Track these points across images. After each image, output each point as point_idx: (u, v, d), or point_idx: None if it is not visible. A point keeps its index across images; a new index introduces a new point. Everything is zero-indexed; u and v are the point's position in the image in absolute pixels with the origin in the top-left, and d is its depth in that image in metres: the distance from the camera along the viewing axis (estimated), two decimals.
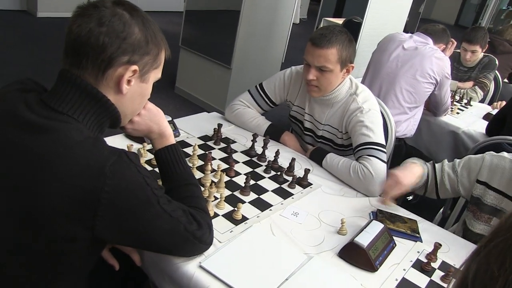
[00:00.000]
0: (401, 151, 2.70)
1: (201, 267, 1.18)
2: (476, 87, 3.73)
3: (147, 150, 1.64)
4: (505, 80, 4.82)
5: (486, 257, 0.65)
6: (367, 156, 1.74)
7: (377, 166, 1.71)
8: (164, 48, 1.10)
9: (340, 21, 6.37)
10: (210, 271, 1.17)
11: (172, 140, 1.28)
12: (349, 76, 1.92)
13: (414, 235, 1.54)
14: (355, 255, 1.33)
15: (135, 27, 1.00)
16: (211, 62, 4.34)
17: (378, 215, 1.59)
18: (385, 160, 1.77)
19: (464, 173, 1.68)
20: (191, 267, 1.18)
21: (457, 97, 3.56)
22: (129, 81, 1.03)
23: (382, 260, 1.37)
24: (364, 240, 1.34)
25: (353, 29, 5.54)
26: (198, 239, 1.13)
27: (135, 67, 1.02)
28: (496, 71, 4.25)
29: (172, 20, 6.92)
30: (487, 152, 1.66)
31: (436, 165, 1.74)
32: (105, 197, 0.91)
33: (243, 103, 2.05)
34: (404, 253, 1.43)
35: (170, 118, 1.82)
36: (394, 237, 1.49)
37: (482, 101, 3.87)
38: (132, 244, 1.16)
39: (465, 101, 3.57)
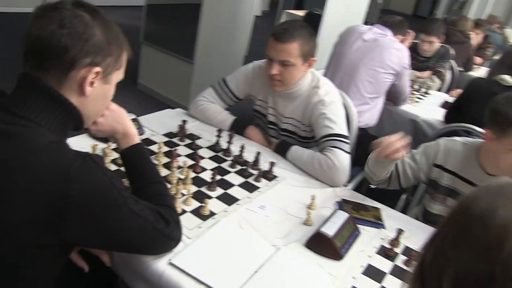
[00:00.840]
0: (364, 141, 2.74)
1: (171, 264, 1.19)
2: (434, 76, 3.84)
3: (112, 149, 1.64)
4: (461, 68, 4.98)
5: (441, 241, 0.69)
6: (331, 148, 1.78)
7: (341, 157, 1.76)
8: (126, 49, 1.10)
9: (301, 13, 6.43)
10: (180, 267, 1.18)
11: (137, 139, 1.28)
12: (311, 70, 1.95)
13: (378, 222, 1.59)
14: (322, 245, 1.36)
15: (96, 29, 1.00)
16: (174, 57, 4.32)
17: (343, 204, 1.64)
18: (349, 151, 1.81)
19: (423, 160, 1.76)
20: (161, 264, 1.19)
21: (416, 86, 3.66)
22: (92, 83, 1.03)
23: (348, 248, 1.41)
24: (330, 229, 1.37)
25: (314, 21, 5.59)
26: (167, 237, 1.14)
27: (98, 68, 1.01)
28: (452, 61, 4.38)
29: (132, 15, 6.81)
30: (440, 138, 1.75)
31: None
32: (72, 201, 0.91)
33: (207, 99, 2.06)
34: (369, 240, 1.48)
35: (134, 116, 1.81)
36: (359, 225, 1.53)
37: (439, 89, 3.99)
38: (101, 246, 1.16)
39: (423, 90, 3.67)
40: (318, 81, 1.94)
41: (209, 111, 2.03)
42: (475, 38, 5.70)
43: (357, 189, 2.73)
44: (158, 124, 1.95)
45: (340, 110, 1.90)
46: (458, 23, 5.08)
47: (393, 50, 2.72)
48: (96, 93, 1.06)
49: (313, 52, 1.87)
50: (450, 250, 0.67)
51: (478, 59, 5.55)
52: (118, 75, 1.11)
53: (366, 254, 1.41)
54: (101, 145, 1.64)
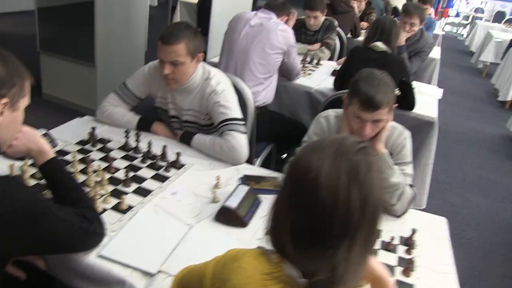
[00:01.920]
0: (264, 117, 3.01)
1: (100, 256, 1.38)
2: (323, 47, 4.18)
3: (29, 165, 1.76)
4: (349, 35, 5.39)
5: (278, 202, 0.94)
6: (228, 131, 2.02)
7: (238, 138, 2.00)
8: (27, 77, 1.26)
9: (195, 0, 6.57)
10: (109, 257, 1.37)
11: (51, 153, 1.44)
12: (202, 63, 2.16)
13: (276, 189, 1.84)
14: (227, 216, 1.60)
15: None
16: (75, 63, 4.33)
17: (244, 179, 1.88)
18: (244, 131, 2.06)
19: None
20: (91, 258, 1.37)
21: (308, 59, 3.98)
22: (1, 113, 1.18)
23: (251, 215, 1.66)
24: (233, 202, 1.62)
25: (207, 7, 5.75)
26: (93, 233, 1.33)
27: (4, 100, 1.17)
28: (339, 29, 4.75)
29: (25, 22, 6.59)
30: (322, 113, 2.02)
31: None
32: (4, 219, 1.07)
33: (111, 103, 2.21)
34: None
35: (45, 131, 1.93)
36: (261, 195, 1.78)
37: (331, 59, 4.34)
38: (38, 253, 1.32)
39: (315, 61, 3.99)
40: (209, 73, 2.15)
41: (115, 115, 2.19)
42: (359, 5, 6.15)
43: (266, 161, 3.03)
44: (69, 134, 2.08)
45: (232, 96, 2.14)
46: None
47: (278, 31, 2.98)
48: (7, 120, 1.21)
49: (200, 48, 2.08)
50: (285, 208, 0.92)
51: (364, 24, 5.99)
52: (24, 101, 1.27)
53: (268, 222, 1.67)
54: (18, 163, 1.76)
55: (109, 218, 1.54)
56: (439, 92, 3.87)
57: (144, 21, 4.74)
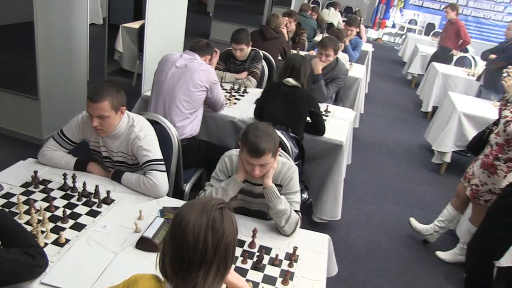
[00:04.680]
0: (192, 147, 3.44)
1: (42, 283, 1.75)
2: (250, 76, 4.63)
3: None
4: (279, 58, 5.88)
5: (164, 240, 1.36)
6: (150, 171, 2.44)
7: (158, 176, 2.43)
8: None
9: (137, 25, 6.93)
10: (49, 283, 1.75)
11: None
12: (126, 112, 2.55)
13: None
14: (145, 244, 2.01)
15: None
16: (16, 95, 4.46)
17: (163, 211, 2.30)
18: (164, 170, 2.49)
19: (223, 177, 2.40)
20: (35, 285, 1.74)
21: (236, 87, 4.43)
22: None
23: None
24: (150, 232, 2.03)
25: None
26: (36, 266, 1.71)
27: None
28: (269, 55, 5.25)
29: None
30: (222, 157, 2.45)
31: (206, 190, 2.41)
32: None
33: (51, 148, 2.57)
34: None
35: None
36: None
37: (260, 85, 4.80)
38: None
39: (242, 89, 4.44)
40: (133, 120, 2.55)
41: (55, 158, 2.55)
42: (289, 26, 6.68)
43: (197, 184, 3.44)
44: (14, 177, 2.42)
45: (153, 140, 2.55)
46: (271, 21, 5.94)
47: (201, 71, 3.40)
48: None
49: (123, 102, 2.47)
50: (168, 245, 1.35)
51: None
52: None
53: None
54: None
55: (50, 251, 1.91)
56: (351, 115, 4.41)
57: (84, 51, 4.95)
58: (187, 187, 3.32)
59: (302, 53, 6.14)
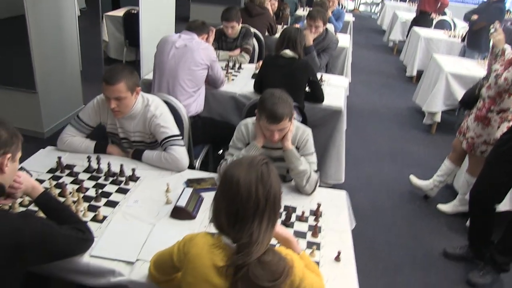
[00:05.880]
0: (198, 124, 3.54)
1: (92, 256, 1.85)
2: (243, 52, 4.72)
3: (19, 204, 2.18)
4: (266, 34, 5.96)
5: (216, 197, 1.48)
6: (170, 146, 2.55)
7: (178, 150, 2.53)
8: (20, 136, 1.72)
9: (120, 12, 6.91)
10: (98, 255, 1.86)
11: (41, 188, 1.90)
12: (141, 93, 2.64)
13: (214, 187, 2.39)
14: (180, 213, 2.13)
15: (1, 130, 1.62)
16: (14, 91, 4.50)
17: (188, 183, 2.41)
18: (183, 144, 2.60)
19: (240, 145, 2.51)
20: (86, 258, 1.84)
21: (231, 64, 4.52)
22: (6, 164, 1.65)
23: (198, 210, 2.19)
24: (182, 202, 2.15)
25: (133, 20, 6.08)
26: (86, 240, 1.82)
27: (9, 155, 1.64)
28: (257, 32, 5.32)
29: None
30: (238, 125, 2.55)
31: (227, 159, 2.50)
32: (28, 242, 1.51)
33: (69, 134, 2.65)
34: (210, 200, 2.26)
35: (19, 166, 2.36)
36: (202, 193, 2.32)
37: (252, 61, 4.90)
38: (50, 261, 1.74)
39: (237, 66, 4.53)
40: (148, 100, 2.64)
41: (74, 143, 2.64)
42: (273, 4, 6.74)
43: (205, 159, 3.55)
44: (39, 165, 2.50)
45: (169, 117, 2.65)
46: None
47: (201, 50, 3.50)
48: (10, 169, 1.68)
49: (137, 83, 2.55)
50: (220, 200, 1.47)
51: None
52: (19, 154, 1.73)
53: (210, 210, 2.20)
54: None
55: (91, 228, 2.02)
56: (345, 82, 4.55)
57: (75, 41, 5.00)
58: (197, 163, 3.42)
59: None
